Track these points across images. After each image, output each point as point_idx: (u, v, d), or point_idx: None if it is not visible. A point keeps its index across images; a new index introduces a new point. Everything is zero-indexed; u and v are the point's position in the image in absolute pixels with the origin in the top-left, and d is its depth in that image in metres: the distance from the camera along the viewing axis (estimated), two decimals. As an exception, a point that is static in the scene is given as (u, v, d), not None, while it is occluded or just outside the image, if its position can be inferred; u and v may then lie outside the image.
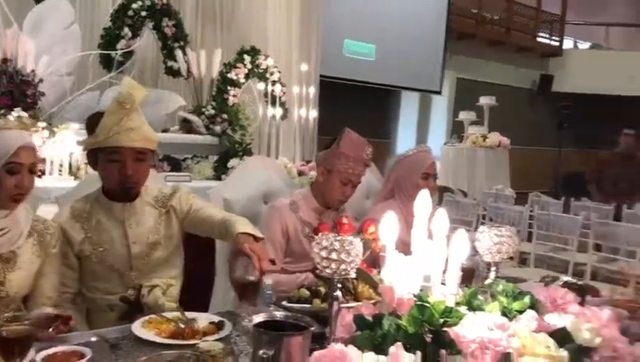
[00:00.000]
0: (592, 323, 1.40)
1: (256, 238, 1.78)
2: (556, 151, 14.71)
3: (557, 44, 14.39)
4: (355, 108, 10.22)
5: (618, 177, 5.82)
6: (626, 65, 13.80)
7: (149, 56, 5.08)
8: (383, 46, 9.77)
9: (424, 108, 12.06)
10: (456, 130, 9.70)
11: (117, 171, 1.87)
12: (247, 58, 5.04)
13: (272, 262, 1.66)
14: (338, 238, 1.20)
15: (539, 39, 13.89)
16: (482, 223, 3.65)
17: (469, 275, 1.77)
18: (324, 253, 1.19)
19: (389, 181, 2.58)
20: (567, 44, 15.52)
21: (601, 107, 13.75)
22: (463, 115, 8.85)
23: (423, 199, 1.42)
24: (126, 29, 4.56)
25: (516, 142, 9.22)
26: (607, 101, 13.73)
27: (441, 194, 6.17)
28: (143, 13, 4.63)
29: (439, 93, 11.29)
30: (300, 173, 4.64)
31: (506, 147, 8.21)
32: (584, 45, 16.86)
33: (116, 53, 4.49)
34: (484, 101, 8.81)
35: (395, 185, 2.52)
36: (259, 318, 1.15)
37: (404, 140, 11.27)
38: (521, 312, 1.39)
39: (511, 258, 1.70)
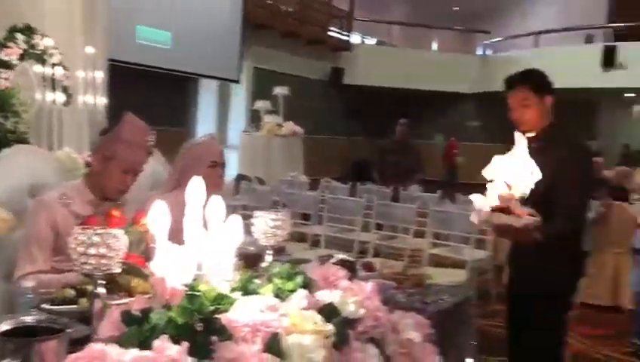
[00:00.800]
0: (357, 296, 1.51)
1: None
2: (346, 139, 15.82)
3: (347, 38, 15.34)
4: (151, 95, 9.82)
5: (395, 162, 6.45)
6: (405, 61, 15.29)
7: None
8: (179, 33, 9.54)
9: (224, 97, 12.05)
10: (255, 120, 9.86)
11: None
12: (20, 37, 4.51)
13: None
14: (98, 232, 1.12)
15: (330, 33, 14.68)
16: (276, 209, 3.76)
17: (255, 260, 1.79)
18: (81, 249, 1.10)
19: (176, 170, 2.50)
20: (357, 39, 16.69)
21: (385, 99, 15.08)
22: (258, 104, 9.00)
23: (195, 186, 1.40)
24: None
25: (310, 131, 9.64)
26: (389, 94, 15.09)
27: (238, 183, 6.24)
28: None
29: (237, 81, 11.36)
30: (88, 164, 4.32)
31: (299, 136, 8.54)
32: (371, 41, 18.28)
33: None
34: (278, 91, 9.05)
35: (181, 175, 2.44)
36: (5, 325, 1.03)
37: (204, 129, 11.15)
38: (293, 292, 1.44)
39: (294, 241, 1.78)
